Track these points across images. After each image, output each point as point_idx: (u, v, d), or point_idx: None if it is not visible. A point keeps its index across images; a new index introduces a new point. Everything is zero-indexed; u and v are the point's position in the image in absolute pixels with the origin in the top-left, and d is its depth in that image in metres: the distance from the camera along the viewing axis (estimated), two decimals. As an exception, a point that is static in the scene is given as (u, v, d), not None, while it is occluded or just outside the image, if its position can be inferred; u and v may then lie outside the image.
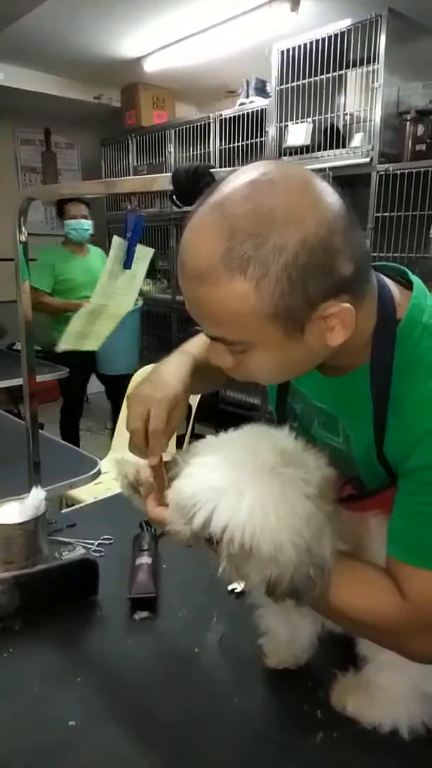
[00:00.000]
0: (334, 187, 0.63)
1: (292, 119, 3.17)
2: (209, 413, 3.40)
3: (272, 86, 3.21)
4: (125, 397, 0.82)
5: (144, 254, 1.14)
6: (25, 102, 4.36)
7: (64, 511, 1.45)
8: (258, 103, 3.46)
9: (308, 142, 3.04)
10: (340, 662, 0.82)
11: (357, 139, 2.92)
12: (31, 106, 4.48)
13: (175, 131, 4.06)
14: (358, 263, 0.62)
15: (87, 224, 3.39)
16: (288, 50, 3.05)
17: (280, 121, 3.20)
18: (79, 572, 1.02)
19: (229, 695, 0.82)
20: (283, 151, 3.17)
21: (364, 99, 2.86)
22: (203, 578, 1.06)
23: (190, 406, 2.40)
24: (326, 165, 2.59)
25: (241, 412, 3.74)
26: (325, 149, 3.01)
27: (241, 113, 3.57)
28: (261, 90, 3.54)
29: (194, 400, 2.29)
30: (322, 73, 2.94)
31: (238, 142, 3.61)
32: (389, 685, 0.75)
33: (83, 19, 3.20)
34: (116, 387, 3.56)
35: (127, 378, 2.80)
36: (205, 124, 3.83)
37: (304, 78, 3.03)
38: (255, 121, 3.48)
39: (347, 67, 2.90)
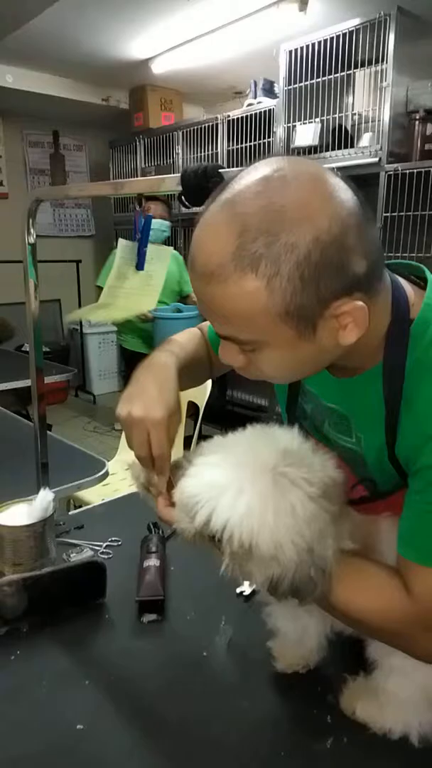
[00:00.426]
0: (347, 183, 0.62)
1: (300, 120, 3.16)
2: (217, 414, 3.40)
3: (280, 87, 3.21)
4: (119, 419, 0.81)
5: (161, 254, 1.12)
6: (34, 104, 4.38)
7: (72, 512, 1.45)
8: (266, 103, 3.46)
9: (316, 142, 3.04)
10: (350, 666, 0.81)
11: (365, 139, 2.91)
12: (40, 108, 4.51)
13: (183, 133, 4.07)
14: (372, 260, 0.61)
15: (165, 225, 3.24)
16: (296, 50, 3.05)
17: (288, 122, 3.20)
18: (87, 574, 1.01)
19: (237, 699, 0.82)
20: (291, 152, 3.16)
21: (373, 99, 2.85)
22: (211, 581, 1.05)
23: (197, 407, 2.40)
24: (334, 165, 2.58)
25: (249, 413, 3.73)
26: (333, 149, 3.01)
27: (248, 114, 3.57)
28: (269, 91, 3.54)
29: (201, 401, 2.28)
30: (330, 73, 2.94)
31: (246, 143, 3.62)
32: (399, 690, 0.74)
33: (91, 22, 3.21)
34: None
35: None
36: (213, 125, 3.83)
37: (312, 78, 3.02)
38: (263, 121, 3.48)
39: (356, 67, 2.90)
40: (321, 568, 0.64)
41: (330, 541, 0.64)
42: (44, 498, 1.09)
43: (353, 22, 2.76)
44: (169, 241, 3.50)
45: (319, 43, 2.91)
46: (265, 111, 3.44)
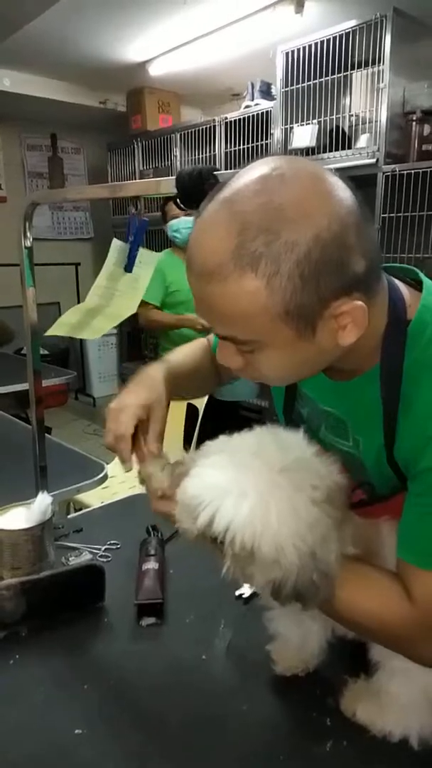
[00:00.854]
0: (345, 182, 0.61)
1: (297, 121, 3.17)
2: (216, 416, 3.38)
3: (277, 88, 3.21)
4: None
5: (149, 259, 1.13)
6: (32, 108, 4.39)
7: (70, 516, 1.44)
8: (263, 105, 3.46)
9: (314, 143, 3.04)
10: (350, 668, 0.81)
11: (363, 140, 2.91)
12: (38, 111, 4.51)
13: (181, 135, 4.07)
14: (371, 260, 0.61)
15: (191, 222, 3.14)
16: (293, 52, 3.05)
17: (286, 123, 3.20)
18: (86, 578, 1.01)
19: (236, 702, 0.81)
20: (288, 154, 3.16)
21: (370, 100, 2.85)
22: (210, 584, 1.05)
23: (196, 409, 2.39)
24: (332, 166, 2.58)
25: (250, 415, 3.73)
26: (330, 151, 3.01)
27: (246, 116, 3.57)
28: (266, 92, 3.54)
29: (200, 403, 2.28)
30: (327, 75, 2.94)
31: (244, 144, 3.62)
32: (400, 692, 0.74)
33: (88, 25, 3.21)
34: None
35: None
36: (210, 127, 3.83)
37: (309, 80, 3.03)
38: (260, 123, 3.48)
39: (352, 68, 2.90)
40: (324, 572, 0.63)
41: (333, 545, 0.64)
42: (42, 501, 1.09)
43: (350, 24, 2.77)
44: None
45: (316, 44, 2.92)
46: (262, 113, 3.44)
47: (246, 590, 1.03)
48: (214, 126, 3.80)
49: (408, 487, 0.69)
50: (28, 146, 4.97)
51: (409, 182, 2.67)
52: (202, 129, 3.89)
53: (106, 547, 1.20)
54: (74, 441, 1.99)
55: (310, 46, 2.95)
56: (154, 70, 3.92)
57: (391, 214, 2.76)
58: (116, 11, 3.04)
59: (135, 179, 4.44)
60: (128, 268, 1.08)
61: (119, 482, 2.13)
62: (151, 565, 1.07)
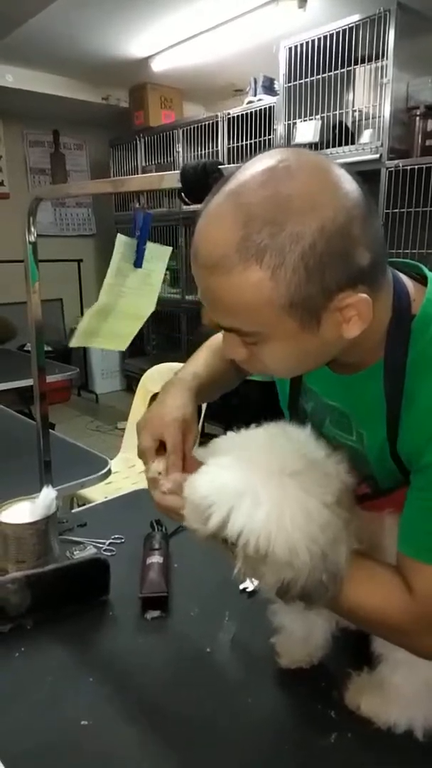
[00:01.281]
0: (351, 175, 0.61)
1: (300, 117, 3.16)
2: (220, 412, 3.39)
3: (280, 84, 3.20)
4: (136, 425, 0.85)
5: (159, 253, 1.11)
6: (34, 104, 4.38)
7: (75, 510, 1.45)
8: (266, 101, 3.45)
9: (317, 139, 3.03)
10: (355, 661, 0.81)
11: (366, 136, 2.91)
12: (40, 108, 4.51)
13: (183, 131, 4.07)
14: (376, 253, 0.60)
15: None
16: (296, 47, 3.04)
17: (289, 119, 3.19)
18: (90, 571, 1.02)
19: (241, 695, 0.82)
20: (291, 149, 3.15)
21: (373, 95, 2.84)
22: (215, 577, 1.06)
23: (199, 406, 2.39)
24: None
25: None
26: (334, 146, 3.00)
27: (249, 111, 3.56)
28: (269, 88, 3.53)
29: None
30: (330, 70, 2.93)
31: (247, 140, 3.61)
32: (404, 684, 0.74)
33: (90, 21, 3.21)
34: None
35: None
36: (213, 123, 3.83)
37: (312, 75, 3.02)
38: (263, 119, 3.47)
39: (356, 63, 2.89)
40: (333, 573, 0.64)
41: (343, 547, 0.64)
42: (47, 496, 1.09)
43: (353, 18, 2.76)
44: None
45: (319, 39, 2.91)
46: (265, 108, 3.43)
47: (250, 584, 1.04)
48: (217, 122, 3.79)
49: (410, 481, 0.69)
50: (30, 142, 4.97)
51: (413, 178, 2.67)
52: (205, 125, 3.89)
53: (111, 541, 1.21)
54: (77, 437, 1.99)
55: (313, 41, 2.94)
56: (157, 66, 3.91)
57: (395, 210, 2.76)
58: (118, 7, 3.03)
59: (137, 175, 4.44)
60: (137, 263, 1.07)
61: (123, 477, 2.14)
62: (156, 558, 1.08)
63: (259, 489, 0.61)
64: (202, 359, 0.97)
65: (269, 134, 3.43)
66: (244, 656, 0.90)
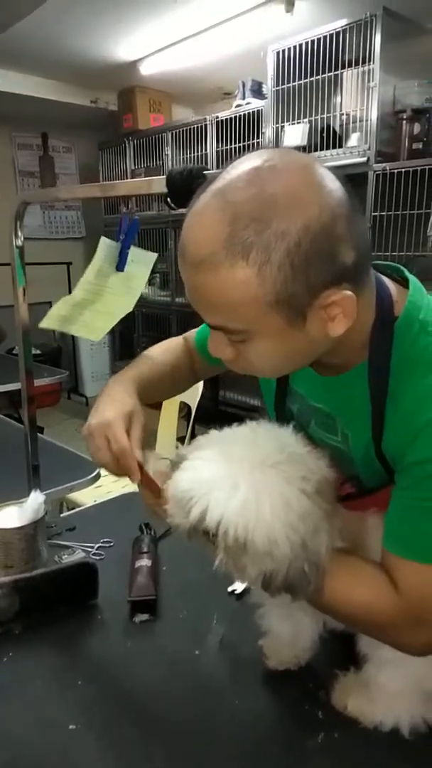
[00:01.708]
0: (335, 175, 0.62)
1: (288, 120, 3.18)
2: (209, 415, 3.40)
3: (268, 87, 3.22)
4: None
5: (143, 258, 1.12)
6: (22, 107, 4.36)
7: (63, 514, 1.45)
8: (254, 104, 3.47)
9: (305, 142, 3.05)
10: (341, 662, 0.82)
11: (353, 139, 2.93)
12: (28, 110, 4.49)
13: (172, 134, 4.07)
14: (360, 252, 0.61)
15: None
16: (283, 51, 3.06)
17: (277, 122, 3.21)
18: (79, 575, 1.01)
19: (229, 697, 0.82)
20: (279, 152, 3.17)
21: (360, 99, 2.86)
22: (203, 580, 1.06)
23: (189, 408, 2.40)
24: (323, 165, 2.59)
25: (241, 413, 3.74)
26: (321, 149, 3.02)
27: (237, 115, 3.58)
28: (257, 91, 3.54)
29: (193, 401, 2.29)
30: (317, 74, 2.95)
31: (235, 143, 3.62)
32: (390, 683, 0.75)
33: (79, 24, 3.20)
34: None
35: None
36: (201, 126, 3.84)
37: (299, 79, 3.04)
38: (251, 122, 3.48)
39: (343, 67, 2.91)
40: (314, 563, 0.64)
41: (324, 536, 0.65)
42: (35, 500, 1.09)
43: (340, 23, 2.78)
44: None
45: (307, 43, 2.93)
46: (253, 112, 3.45)
47: (238, 586, 1.04)
48: (206, 125, 3.80)
49: (395, 481, 0.70)
50: (18, 145, 4.94)
51: (400, 181, 2.69)
52: (194, 128, 3.89)
53: (99, 545, 1.21)
54: (67, 440, 1.98)
55: (300, 45, 2.96)
56: (146, 69, 3.91)
57: (382, 213, 2.78)
58: (107, 10, 3.03)
59: (126, 178, 4.44)
60: (119, 266, 1.08)
61: (112, 481, 2.13)
62: (144, 562, 1.08)
63: (239, 478, 0.62)
64: (153, 356, 0.97)
65: (258, 137, 3.44)
66: (233, 658, 0.90)
